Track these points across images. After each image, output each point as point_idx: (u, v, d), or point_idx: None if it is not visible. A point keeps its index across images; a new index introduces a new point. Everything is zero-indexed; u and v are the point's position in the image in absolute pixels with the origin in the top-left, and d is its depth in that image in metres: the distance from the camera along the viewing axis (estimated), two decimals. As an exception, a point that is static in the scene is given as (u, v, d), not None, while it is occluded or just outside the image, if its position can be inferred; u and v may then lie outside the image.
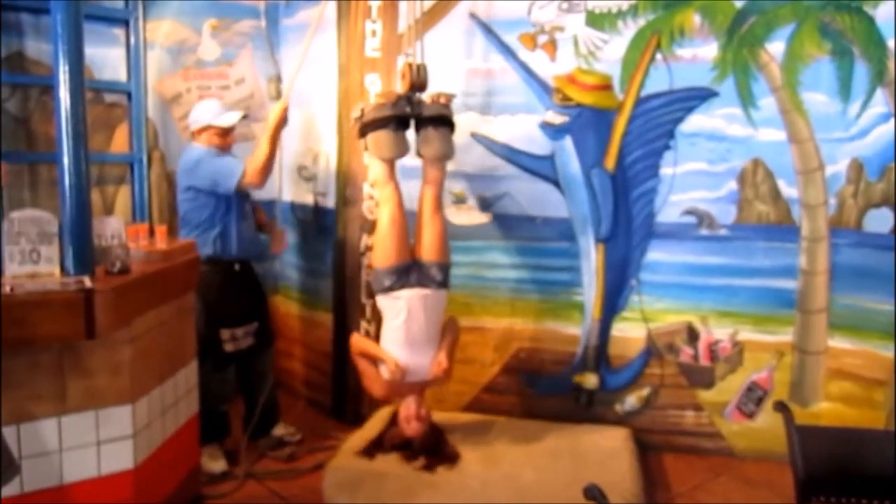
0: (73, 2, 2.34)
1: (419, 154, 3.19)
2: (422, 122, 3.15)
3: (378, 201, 3.39)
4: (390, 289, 3.11)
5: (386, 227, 3.16)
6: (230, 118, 3.37)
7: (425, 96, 3.18)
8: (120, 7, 3.70)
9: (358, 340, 3.29)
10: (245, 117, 3.49)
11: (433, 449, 3.09)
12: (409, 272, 3.11)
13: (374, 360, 3.16)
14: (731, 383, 3.44)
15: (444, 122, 3.15)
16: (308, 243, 4.09)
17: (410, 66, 3.14)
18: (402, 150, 3.16)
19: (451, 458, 3.06)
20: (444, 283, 3.15)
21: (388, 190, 3.20)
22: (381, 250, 3.18)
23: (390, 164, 3.20)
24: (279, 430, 3.59)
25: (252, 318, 3.50)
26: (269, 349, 3.62)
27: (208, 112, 3.37)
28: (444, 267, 3.15)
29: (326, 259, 3.87)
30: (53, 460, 2.33)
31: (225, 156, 3.34)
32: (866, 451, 1.98)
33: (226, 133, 3.39)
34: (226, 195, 3.30)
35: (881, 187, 3.17)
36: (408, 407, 3.13)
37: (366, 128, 3.17)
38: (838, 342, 3.29)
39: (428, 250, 3.15)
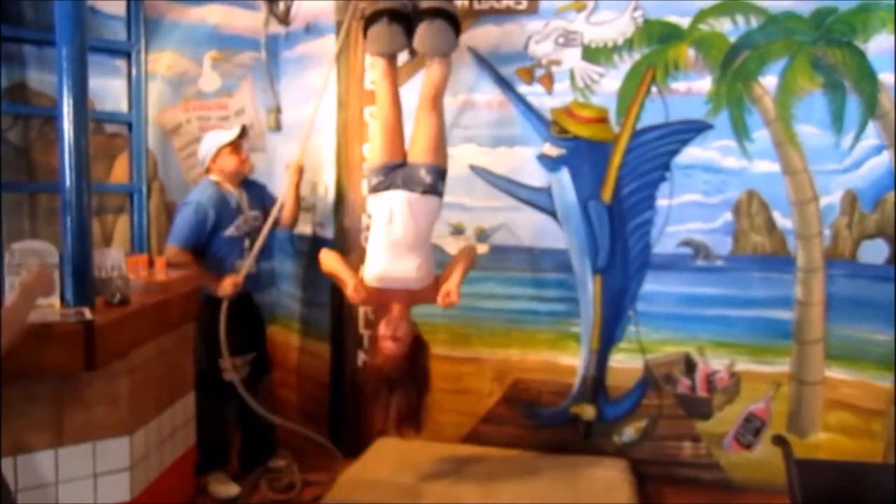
0: (78, 37, 2.38)
1: (413, 51, 3.15)
2: (418, 17, 3.10)
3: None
4: (376, 189, 2.99)
5: (377, 125, 3.12)
6: (232, 132, 3.51)
7: None
8: (122, 40, 3.74)
9: (325, 257, 3.06)
10: (245, 128, 3.58)
11: (407, 380, 2.90)
12: (397, 173, 2.98)
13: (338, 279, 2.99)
14: (729, 414, 3.43)
15: (440, 14, 3.08)
16: (306, 273, 4.10)
17: None
18: (396, 44, 3.11)
19: (416, 417, 2.91)
20: (433, 188, 2.96)
21: (383, 87, 3.14)
22: (372, 148, 3.13)
23: (387, 60, 3.15)
24: (275, 462, 3.58)
25: (250, 348, 3.52)
26: (266, 378, 3.63)
27: (212, 139, 3.50)
28: (435, 169, 2.97)
29: (324, 289, 3.87)
30: (50, 492, 2.33)
31: (199, 221, 3.42)
32: (865, 484, 1.98)
33: (237, 149, 3.51)
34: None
35: (875, 218, 3.19)
36: (385, 325, 2.93)
37: (365, 25, 3.15)
38: (835, 373, 3.29)
39: (417, 151, 3.01)
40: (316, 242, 3.97)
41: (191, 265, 3.34)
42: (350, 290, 2.87)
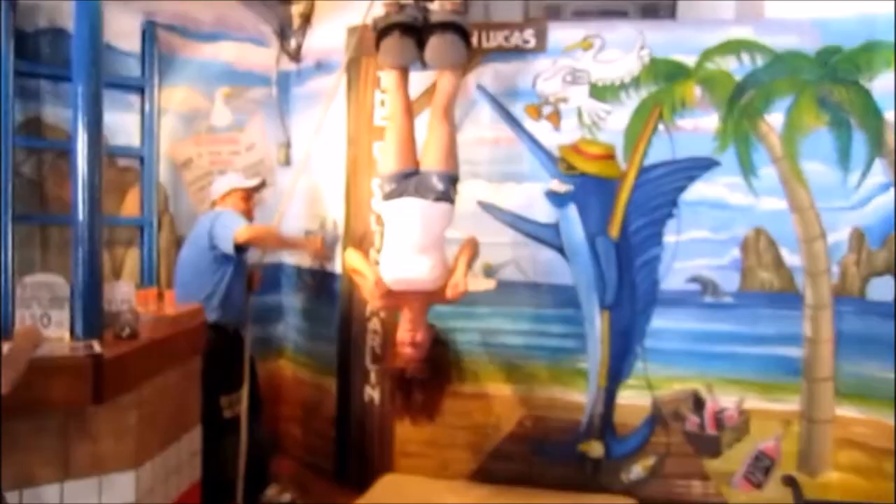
0: (94, 74, 2.42)
1: (425, 62, 3.21)
2: (429, 30, 3.16)
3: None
4: (390, 196, 3.04)
5: (390, 133, 3.16)
6: (251, 181, 3.64)
7: (435, 5, 3.19)
8: (136, 76, 3.80)
9: (350, 256, 3.15)
10: (264, 183, 3.63)
11: (424, 379, 2.96)
12: (409, 181, 3.03)
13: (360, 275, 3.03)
14: (738, 452, 3.40)
15: (450, 27, 3.13)
16: (313, 307, 4.11)
17: None
18: (408, 56, 3.17)
19: (431, 408, 2.98)
20: (445, 195, 3.01)
21: (395, 98, 3.21)
22: (384, 157, 3.17)
23: (400, 72, 3.21)
24: (271, 491, 3.57)
25: (241, 384, 3.54)
26: (259, 414, 3.65)
27: (231, 180, 3.66)
28: (447, 177, 3.03)
29: (331, 323, 3.88)
30: (55, 527, 2.31)
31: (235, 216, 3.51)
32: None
33: (248, 198, 3.63)
34: (226, 256, 3.43)
35: (883, 255, 3.19)
36: (403, 330, 2.99)
37: (378, 38, 3.21)
38: (846, 411, 3.26)
39: (430, 158, 3.07)
40: (323, 277, 3.99)
41: (269, 233, 3.50)
42: (370, 285, 2.92)
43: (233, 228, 3.40)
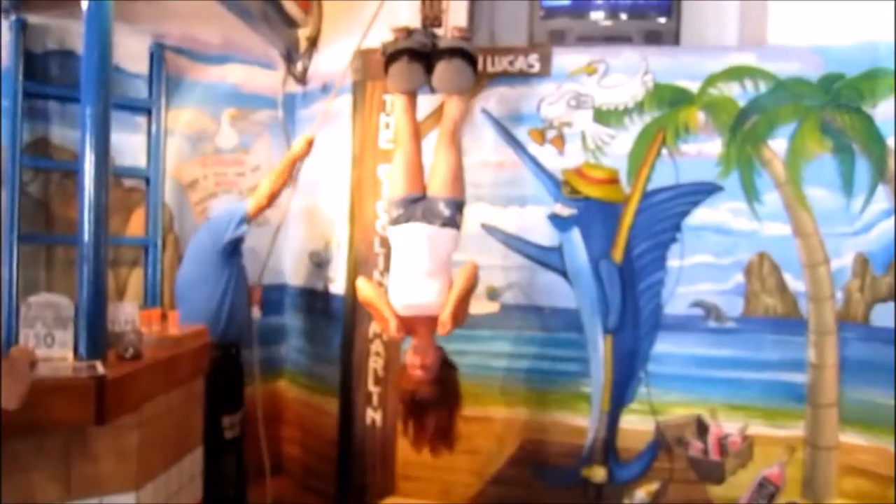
0: (102, 96, 2.44)
1: (433, 88, 3.24)
2: (437, 56, 3.19)
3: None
4: (396, 221, 3.06)
5: (397, 158, 3.18)
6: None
7: (443, 31, 3.24)
8: (144, 97, 3.84)
9: (364, 288, 3.08)
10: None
11: (439, 402, 2.96)
12: (416, 206, 3.05)
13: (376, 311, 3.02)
14: (742, 478, 3.38)
15: (458, 53, 3.17)
16: (316, 329, 4.11)
17: (424, 1, 3.23)
18: (416, 82, 3.21)
19: (448, 435, 2.96)
20: (452, 220, 3.02)
21: (403, 122, 3.23)
22: (391, 182, 3.19)
23: (408, 97, 3.24)
24: None
25: (242, 405, 3.54)
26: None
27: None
28: (453, 202, 3.05)
29: (334, 345, 3.88)
30: (55, 548, 2.30)
31: None
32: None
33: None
34: (236, 258, 3.51)
35: (887, 281, 3.19)
36: (412, 354, 2.98)
37: (386, 63, 3.24)
38: (850, 437, 3.24)
39: (436, 184, 3.09)
40: (327, 299, 3.99)
41: (270, 183, 3.52)
42: (393, 331, 2.93)
43: (239, 208, 3.48)
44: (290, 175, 3.58)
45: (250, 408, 3.70)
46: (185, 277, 3.58)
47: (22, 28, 3.38)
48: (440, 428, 2.99)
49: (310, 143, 3.60)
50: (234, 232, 3.45)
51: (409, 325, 3.01)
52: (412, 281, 2.97)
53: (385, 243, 3.60)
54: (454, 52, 3.18)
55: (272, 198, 3.54)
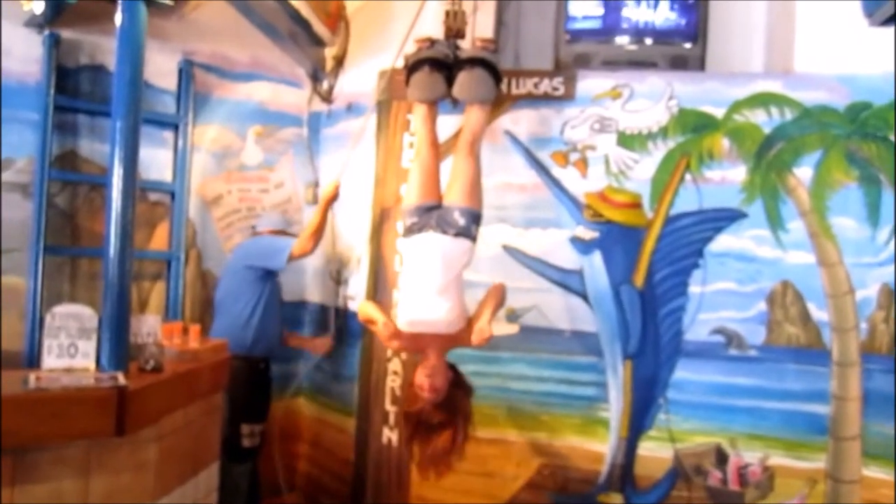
0: (132, 112, 2.48)
1: (454, 98, 3.23)
2: (458, 66, 3.18)
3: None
4: (410, 230, 3.02)
5: (415, 166, 3.19)
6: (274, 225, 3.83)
7: (465, 42, 3.24)
8: (171, 113, 3.89)
9: (363, 307, 3.04)
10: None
11: (446, 423, 2.84)
12: (431, 214, 3.01)
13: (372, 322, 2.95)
14: (762, 510, 3.33)
15: (479, 63, 3.15)
16: (334, 346, 4.11)
17: (448, 12, 3.22)
18: (437, 91, 3.20)
19: (445, 457, 2.85)
20: (466, 231, 2.96)
21: (422, 131, 3.23)
22: (408, 189, 3.19)
23: (428, 107, 3.24)
24: None
25: (265, 418, 3.57)
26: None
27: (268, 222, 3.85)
28: (469, 213, 2.98)
29: (352, 363, 3.88)
30: (71, 559, 2.30)
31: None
32: None
33: None
34: (273, 276, 3.64)
35: (913, 313, 3.15)
36: (420, 374, 2.87)
37: (408, 73, 3.24)
38: (873, 472, 3.19)
39: (453, 194, 3.04)
40: (346, 316, 4.00)
41: (312, 228, 3.60)
42: (380, 327, 2.87)
43: (285, 246, 3.59)
44: (325, 218, 3.67)
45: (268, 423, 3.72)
46: (221, 290, 3.69)
47: (55, 43, 3.45)
48: (443, 449, 2.88)
49: (337, 187, 3.70)
50: (272, 265, 3.60)
51: (417, 343, 2.95)
52: (422, 296, 2.92)
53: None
54: (476, 62, 3.17)
55: (315, 241, 3.62)
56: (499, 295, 3.00)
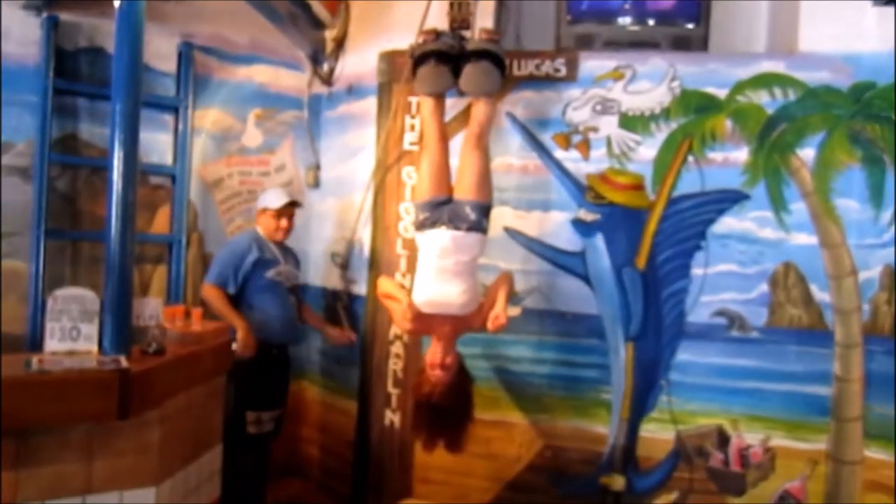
0: (132, 94, 2.46)
1: (461, 90, 3.23)
2: (465, 58, 3.19)
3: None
4: (423, 225, 3.06)
5: (424, 161, 3.19)
6: (280, 200, 3.62)
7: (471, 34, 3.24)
8: (171, 96, 3.87)
9: (382, 282, 3.20)
10: (295, 203, 3.66)
11: (451, 407, 2.98)
12: (443, 209, 3.05)
13: (394, 299, 3.05)
14: (763, 491, 3.34)
15: (485, 56, 3.16)
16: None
17: (452, 3, 3.21)
18: (443, 84, 3.21)
19: (457, 441, 3.00)
20: (478, 225, 3.03)
21: (430, 125, 3.24)
22: (418, 185, 3.21)
23: (435, 99, 3.24)
24: None
25: (279, 404, 3.55)
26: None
27: (266, 198, 3.69)
28: (479, 206, 3.04)
29: (354, 346, 3.88)
30: (74, 541, 2.32)
31: (236, 255, 3.55)
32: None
33: (279, 215, 3.63)
34: (265, 265, 3.58)
35: (916, 295, 3.15)
36: (433, 353, 3.01)
37: (414, 66, 3.25)
38: (875, 453, 3.19)
39: (462, 188, 3.09)
40: (347, 299, 3.99)
41: (224, 305, 3.42)
42: (403, 307, 2.93)
43: (210, 275, 3.54)
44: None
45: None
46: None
47: (54, 26, 3.44)
48: (452, 432, 3.02)
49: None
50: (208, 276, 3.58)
51: (429, 324, 3.02)
52: (437, 279, 2.99)
53: (407, 245, 3.61)
54: (482, 55, 3.17)
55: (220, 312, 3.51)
56: (509, 282, 3.09)
